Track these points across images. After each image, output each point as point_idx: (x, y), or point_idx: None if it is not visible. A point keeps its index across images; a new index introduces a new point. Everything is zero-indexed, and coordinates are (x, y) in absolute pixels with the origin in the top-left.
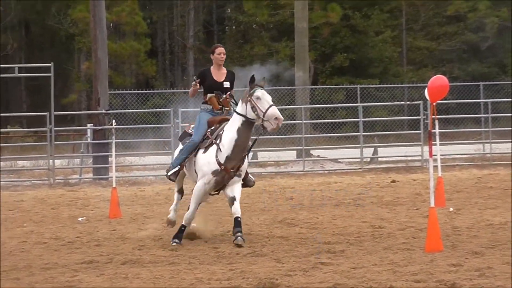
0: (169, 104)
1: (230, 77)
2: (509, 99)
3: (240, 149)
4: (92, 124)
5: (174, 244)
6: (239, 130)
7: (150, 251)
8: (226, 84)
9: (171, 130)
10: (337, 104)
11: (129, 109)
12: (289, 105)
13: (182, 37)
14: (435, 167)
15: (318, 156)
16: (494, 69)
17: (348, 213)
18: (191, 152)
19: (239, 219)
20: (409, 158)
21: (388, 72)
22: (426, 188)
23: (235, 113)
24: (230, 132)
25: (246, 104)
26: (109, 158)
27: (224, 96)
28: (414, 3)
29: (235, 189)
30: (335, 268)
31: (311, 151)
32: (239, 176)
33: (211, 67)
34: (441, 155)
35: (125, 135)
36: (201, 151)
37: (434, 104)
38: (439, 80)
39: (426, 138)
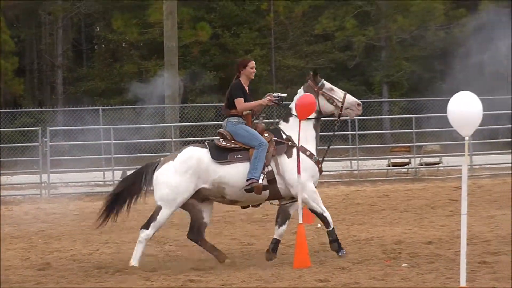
0: (38, 123)
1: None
2: (376, 117)
3: (317, 146)
4: None
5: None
6: (315, 126)
7: (17, 271)
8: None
9: (40, 149)
10: (207, 122)
11: None
12: (159, 123)
13: (51, 56)
14: None
15: None
16: (361, 87)
17: (217, 230)
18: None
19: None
20: None
21: (258, 90)
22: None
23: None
24: (307, 130)
25: (318, 98)
26: None
27: (256, 119)
28: (283, 22)
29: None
30: (205, 286)
31: None
32: None
33: (241, 80)
34: None
35: None
36: (284, 157)
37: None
38: (307, 98)
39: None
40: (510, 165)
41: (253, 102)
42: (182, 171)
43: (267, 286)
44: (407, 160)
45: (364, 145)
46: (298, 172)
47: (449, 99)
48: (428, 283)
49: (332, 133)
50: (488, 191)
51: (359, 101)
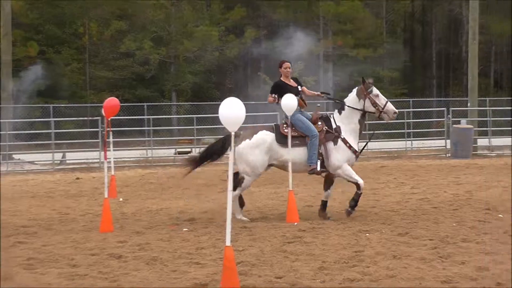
0: None
1: (297, 81)
2: (166, 116)
3: (359, 137)
4: None
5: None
6: (360, 122)
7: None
8: (299, 88)
9: None
10: (35, 119)
11: None
12: None
13: None
14: (110, 167)
15: (19, 159)
16: (156, 94)
17: (41, 203)
18: None
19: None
20: (90, 160)
21: (76, 95)
22: (102, 183)
23: (348, 108)
24: (352, 124)
25: (365, 100)
26: None
27: (300, 97)
28: (96, 42)
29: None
30: (29, 246)
31: (13, 155)
32: None
33: (281, 78)
34: (114, 158)
35: None
36: (330, 144)
37: (109, 119)
38: (112, 101)
39: (103, 145)
40: None
41: (271, 98)
42: (258, 150)
43: (79, 246)
44: (189, 149)
45: (157, 137)
46: (105, 158)
47: (220, 103)
48: (203, 242)
49: (372, 132)
50: None
51: (396, 110)
